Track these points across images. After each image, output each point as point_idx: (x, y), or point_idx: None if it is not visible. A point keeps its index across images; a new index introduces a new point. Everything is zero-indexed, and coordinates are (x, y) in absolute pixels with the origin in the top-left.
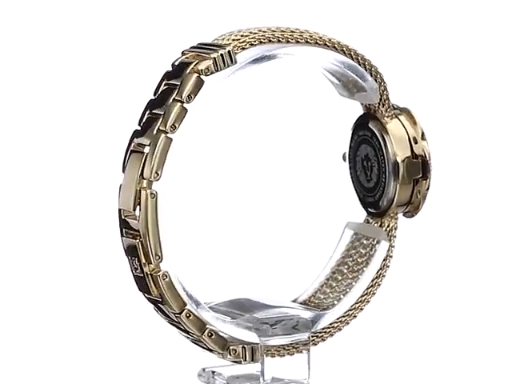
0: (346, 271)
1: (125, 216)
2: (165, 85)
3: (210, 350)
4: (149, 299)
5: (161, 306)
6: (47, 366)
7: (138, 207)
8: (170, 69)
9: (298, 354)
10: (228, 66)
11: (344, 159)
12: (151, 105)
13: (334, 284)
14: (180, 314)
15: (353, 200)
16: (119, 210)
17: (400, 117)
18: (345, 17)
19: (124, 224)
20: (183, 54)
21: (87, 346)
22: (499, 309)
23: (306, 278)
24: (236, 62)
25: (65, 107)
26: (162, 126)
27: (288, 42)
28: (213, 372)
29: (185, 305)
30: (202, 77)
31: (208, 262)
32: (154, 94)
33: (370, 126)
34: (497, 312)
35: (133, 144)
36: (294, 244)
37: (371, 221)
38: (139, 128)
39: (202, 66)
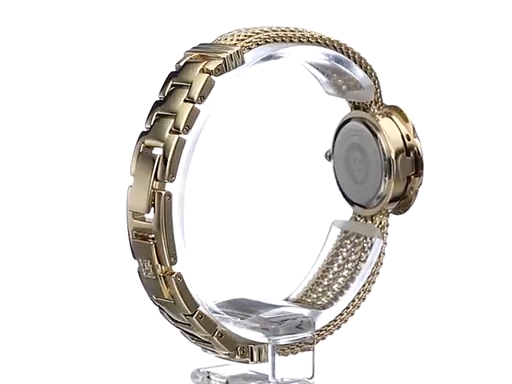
0: (336, 269)
1: (135, 218)
2: (172, 85)
3: (215, 352)
4: (157, 301)
5: (169, 308)
6: (41, 365)
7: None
8: (174, 69)
9: (302, 352)
10: (237, 66)
11: (328, 158)
12: (159, 106)
13: (326, 283)
14: (192, 315)
15: (338, 198)
16: (128, 211)
17: (391, 114)
18: (332, 15)
19: (134, 226)
20: (186, 54)
21: (81, 347)
22: (492, 303)
23: (293, 278)
24: (244, 62)
25: (64, 111)
26: (174, 127)
27: (291, 41)
28: (208, 372)
29: (197, 306)
30: (212, 77)
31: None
32: (160, 95)
33: (360, 123)
34: (491, 307)
35: (142, 146)
36: (282, 243)
37: (359, 219)
38: (146, 129)
39: (212, 66)
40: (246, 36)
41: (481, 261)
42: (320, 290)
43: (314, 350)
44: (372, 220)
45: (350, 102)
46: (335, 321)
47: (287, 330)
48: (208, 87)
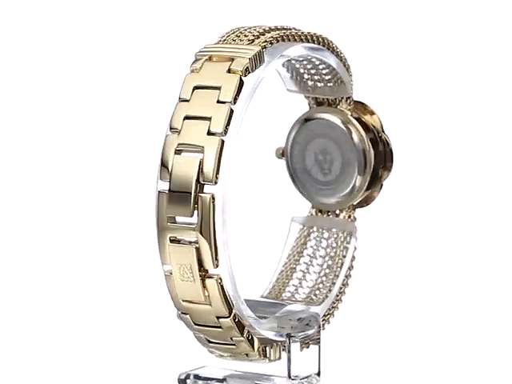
0: (305, 266)
1: (169, 222)
2: (196, 87)
3: (227, 354)
4: (185, 306)
5: (200, 311)
6: (30, 366)
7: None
8: (189, 72)
9: (307, 349)
10: (259, 66)
11: (280, 155)
12: (186, 108)
13: (296, 281)
14: (228, 317)
15: (295, 195)
16: (165, 217)
17: (357, 109)
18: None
19: (168, 230)
20: (200, 56)
21: (67, 347)
22: (482, 298)
23: (260, 277)
24: (264, 62)
25: (64, 112)
26: (212, 130)
27: (295, 40)
28: (196, 374)
29: (233, 307)
30: (242, 77)
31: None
32: (181, 98)
33: (328, 119)
34: (481, 301)
35: (173, 149)
36: (248, 241)
37: (321, 214)
38: (172, 133)
39: (239, 66)
40: (254, 36)
41: (446, 251)
42: (292, 288)
43: (320, 345)
44: (337, 215)
45: (313, 98)
46: (325, 315)
47: (301, 327)
48: (240, 88)
